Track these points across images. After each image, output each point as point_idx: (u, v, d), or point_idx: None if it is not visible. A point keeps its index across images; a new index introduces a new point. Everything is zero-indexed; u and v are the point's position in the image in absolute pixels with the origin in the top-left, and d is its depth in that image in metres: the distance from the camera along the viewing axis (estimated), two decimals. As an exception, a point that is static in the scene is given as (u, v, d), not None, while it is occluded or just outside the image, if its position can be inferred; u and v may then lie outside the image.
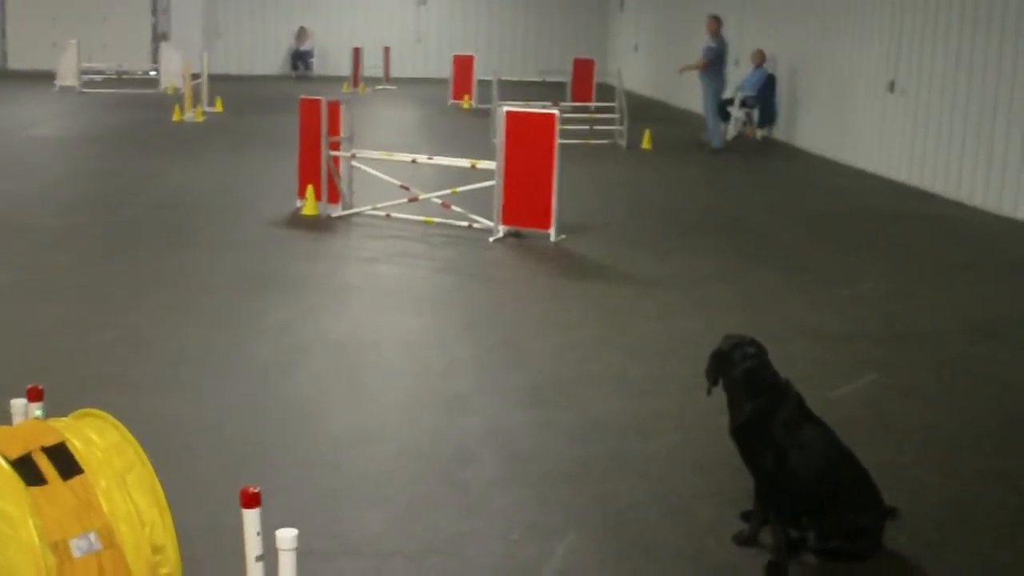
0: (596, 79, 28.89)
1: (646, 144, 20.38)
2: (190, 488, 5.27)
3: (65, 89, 30.17)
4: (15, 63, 37.93)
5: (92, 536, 3.42)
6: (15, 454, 3.47)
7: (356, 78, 32.52)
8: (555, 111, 11.94)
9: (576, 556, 5.02)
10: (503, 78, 22.84)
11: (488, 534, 5.21)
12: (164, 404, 6.79)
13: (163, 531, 3.59)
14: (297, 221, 12.73)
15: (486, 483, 5.81)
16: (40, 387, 4.32)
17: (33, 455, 3.49)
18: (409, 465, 6.08)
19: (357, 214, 12.92)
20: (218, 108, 24.82)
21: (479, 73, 28.24)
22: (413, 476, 5.94)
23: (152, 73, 33.82)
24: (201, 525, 4.88)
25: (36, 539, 3.32)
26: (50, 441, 3.55)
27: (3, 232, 12.06)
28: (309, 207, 12.86)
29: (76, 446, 3.56)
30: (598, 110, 22.80)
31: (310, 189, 12.87)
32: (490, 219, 11.98)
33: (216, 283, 9.93)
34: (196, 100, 24.25)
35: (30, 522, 3.33)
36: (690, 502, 5.61)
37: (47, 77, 31.88)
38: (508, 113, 11.95)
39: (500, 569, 4.92)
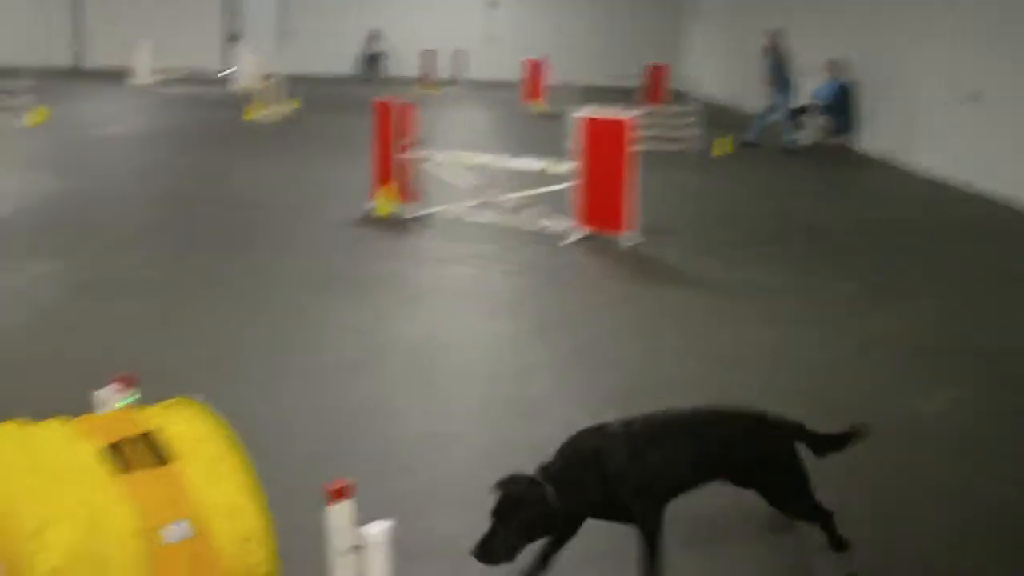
0: (669, 84, 28.80)
1: (719, 150, 20.28)
2: (263, 484, 5.28)
3: (140, 87, 30.53)
4: (92, 62, 38.45)
5: (182, 524, 3.43)
6: (106, 442, 3.50)
7: (427, 80, 32.62)
8: (631, 116, 11.91)
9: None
10: (574, 82, 22.84)
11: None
12: (241, 400, 6.81)
13: (254, 521, 3.60)
14: (371, 221, 12.77)
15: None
16: (130, 376, 4.35)
17: (123, 443, 3.51)
18: (483, 470, 6.05)
19: (430, 215, 12.94)
20: (291, 108, 24.97)
21: (550, 76, 28.23)
22: (488, 481, 5.91)
23: (225, 72, 34.12)
24: (277, 521, 4.89)
25: (127, 527, 3.34)
26: (140, 429, 3.58)
27: (80, 228, 12.21)
28: (383, 207, 12.90)
29: (166, 435, 3.58)
30: (670, 115, 22.69)
31: (384, 190, 12.91)
32: (565, 222, 11.95)
33: (292, 282, 9.99)
34: (269, 100, 24.42)
35: (121, 510, 3.35)
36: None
37: (122, 76, 32.27)
38: (583, 117, 11.93)
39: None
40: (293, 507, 5.13)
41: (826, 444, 4.97)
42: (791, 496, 4.89)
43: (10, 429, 3.58)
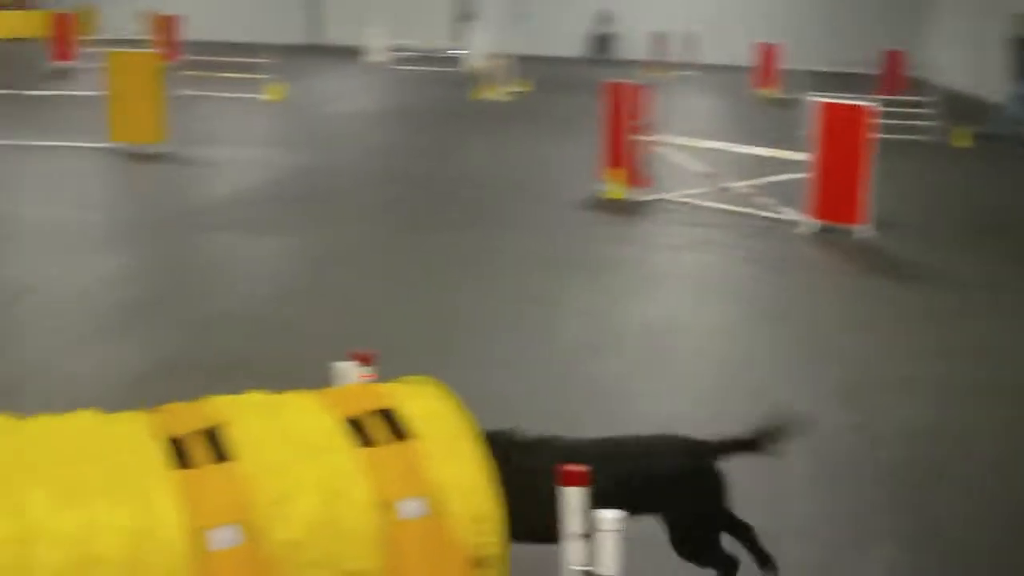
0: (907, 71, 27.93)
1: (958, 141, 19.57)
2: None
3: (374, 65, 31.19)
4: (327, 39, 39.47)
5: (418, 501, 3.44)
6: (346, 415, 3.54)
7: (657, 63, 32.42)
8: (869, 104, 11.57)
9: (892, 565, 4.82)
10: (807, 68, 22.37)
11: (800, 533, 5.06)
12: (474, 377, 6.86)
13: (487, 502, 3.59)
14: (600, 204, 12.73)
15: (795, 481, 5.65)
16: (368, 352, 4.40)
17: (363, 418, 3.55)
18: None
19: (660, 200, 12.83)
20: (522, 88, 25.13)
21: (783, 62, 27.72)
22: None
23: (457, 52, 34.58)
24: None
25: (366, 500, 3.38)
26: (380, 405, 3.60)
27: (315, 203, 12.54)
28: (613, 191, 12.85)
29: (405, 411, 3.60)
30: (908, 104, 22.00)
31: (614, 173, 12.86)
32: (796, 211, 11.71)
33: (523, 261, 10.05)
34: (499, 80, 24.61)
35: (360, 483, 3.39)
36: (1015, 518, 5.32)
37: (356, 53, 33.02)
38: (820, 104, 11.64)
39: (815, 569, 4.77)
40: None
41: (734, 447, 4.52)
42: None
43: (257, 398, 3.66)
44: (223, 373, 6.88)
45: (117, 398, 4.41)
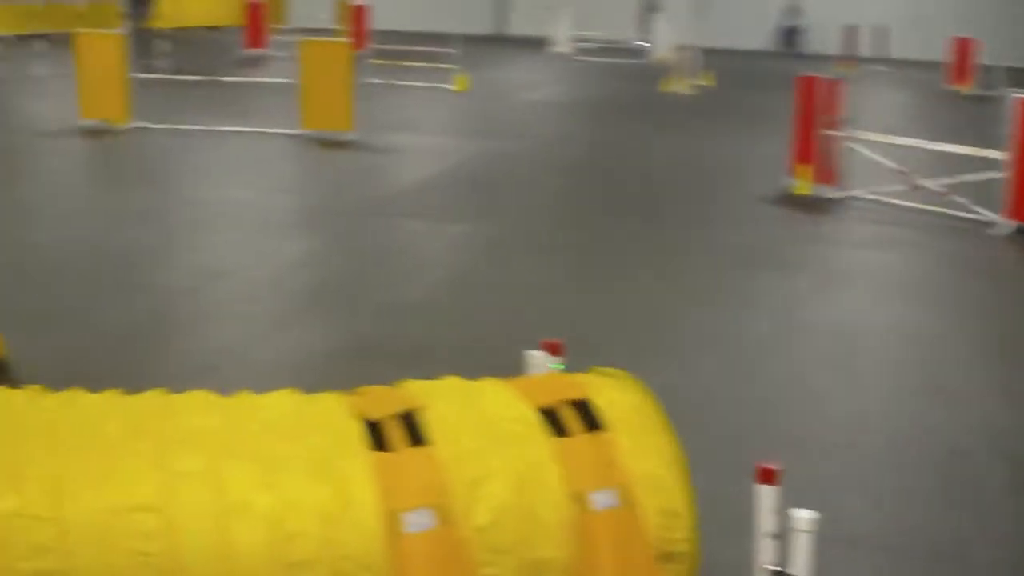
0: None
1: None
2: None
3: (558, 56, 31.25)
4: (512, 29, 39.71)
5: (610, 493, 3.43)
6: (540, 404, 3.55)
7: (846, 57, 31.76)
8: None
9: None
10: (1004, 64, 21.68)
11: (996, 540, 4.90)
12: (658, 370, 6.81)
13: (678, 496, 3.56)
14: (788, 200, 12.52)
15: (988, 486, 5.48)
16: (557, 342, 4.40)
17: (557, 407, 3.55)
18: (900, 456, 5.83)
19: (850, 197, 12.55)
20: (707, 81, 24.90)
21: (979, 57, 26.87)
22: (903, 468, 5.69)
23: (642, 43, 34.41)
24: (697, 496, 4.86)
25: (559, 490, 3.38)
26: (574, 395, 3.60)
27: (498, 192, 12.63)
28: (802, 186, 12.63)
29: (599, 403, 3.59)
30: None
31: (804, 169, 12.64)
32: (992, 211, 11.33)
33: (707, 255, 9.96)
34: (685, 72, 24.41)
35: (554, 472, 3.39)
36: None
37: (542, 43, 33.13)
38: (1022, 101, 11.23)
39: (1010, 569, 4.62)
40: (713, 483, 5.08)
41: None
42: None
43: (452, 384, 3.68)
44: (409, 358, 6.97)
45: (306, 381, 4.47)
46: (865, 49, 33.30)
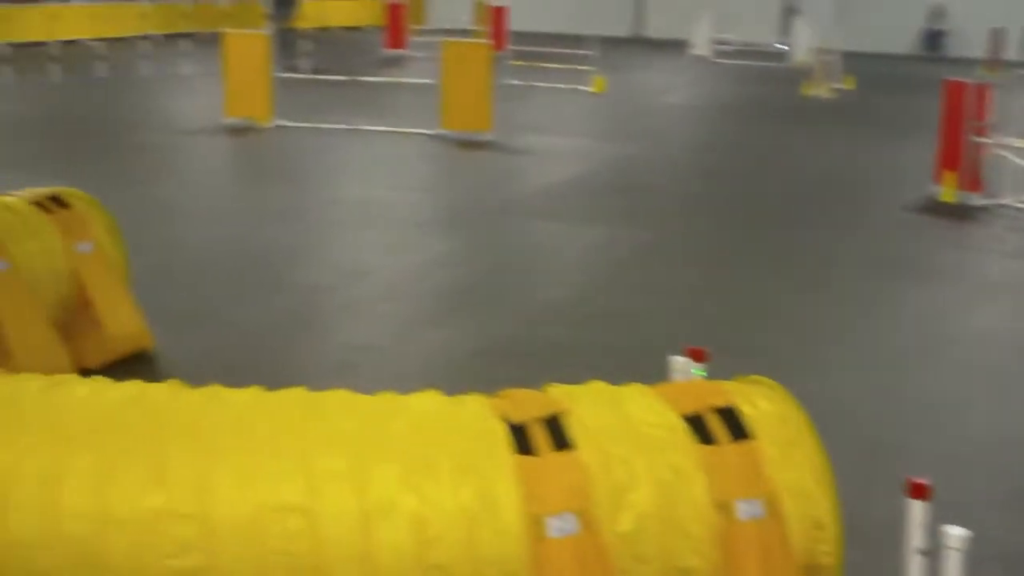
0: None
1: None
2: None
3: (697, 58, 31.04)
4: (652, 31, 39.54)
5: (757, 502, 3.38)
6: (687, 411, 3.50)
7: (993, 61, 30.97)
8: None
9: None
10: None
11: None
12: (802, 379, 6.68)
13: (825, 508, 3.49)
14: (933, 207, 12.23)
15: None
16: (701, 349, 4.35)
17: (704, 414, 3.50)
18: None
19: (997, 205, 12.22)
20: (848, 85, 24.49)
21: None
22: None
23: (781, 47, 33.98)
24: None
25: (704, 498, 3.33)
26: (720, 403, 3.55)
27: (635, 194, 12.57)
28: (947, 194, 12.34)
29: (745, 411, 3.53)
30: None
31: (950, 175, 12.34)
32: None
33: (848, 263, 9.78)
34: (826, 76, 24.03)
35: (700, 480, 3.35)
36: None
37: (681, 46, 32.93)
38: None
39: None
40: (857, 496, 4.97)
41: None
42: None
43: (597, 388, 3.66)
44: (550, 360, 6.96)
45: (446, 381, 4.50)
46: (1012, 52, 32.44)
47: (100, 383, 3.68)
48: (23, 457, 3.26)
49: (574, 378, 3.87)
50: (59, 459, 3.26)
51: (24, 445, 3.30)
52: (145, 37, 27.51)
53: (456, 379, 6.20)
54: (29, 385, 3.64)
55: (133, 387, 3.61)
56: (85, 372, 5.46)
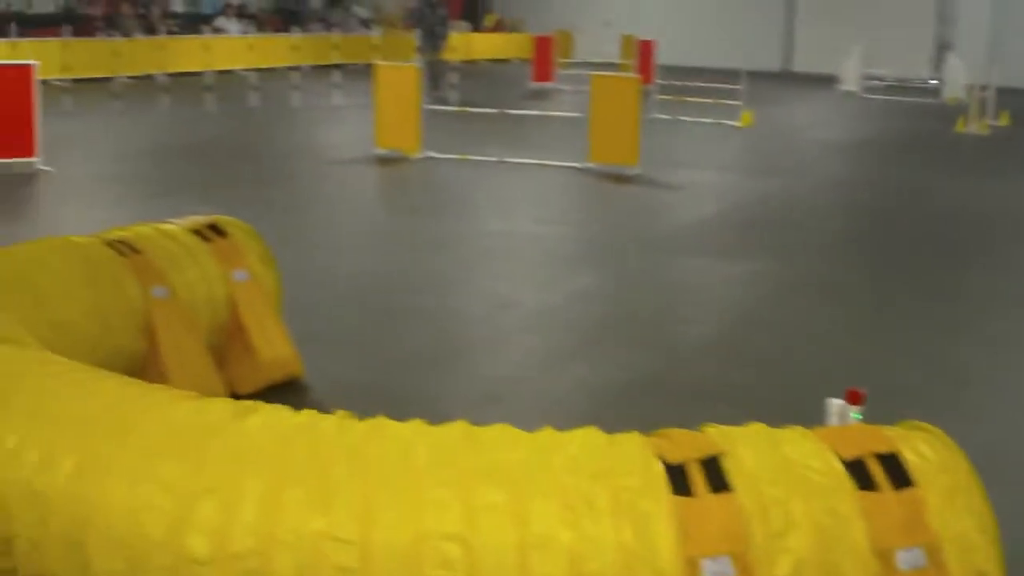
0: None
1: None
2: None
3: (846, 93, 30.65)
4: (800, 66, 39.19)
5: (918, 551, 3.31)
6: (848, 456, 3.46)
7: None
8: None
9: None
10: None
11: None
12: (956, 423, 6.54)
13: (989, 558, 3.41)
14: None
15: None
16: (859, 391, 4.29)
17: (865, 460, 3.45)
18: None
19: None
20: (1003, 122, 23.95)
21: None
22: None
23: (934, 82, 33.39)
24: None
25: (864, 544, 3.28)
26: (882, 448, 3.49)
27: (782, 230, 12.45)
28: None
29: (908, 458, 3.47)
30: None
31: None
32: None
33: (1003, 305, 9.53)
34: (981, 112, 23.54)
35: (860, 526, 3.30)
36: None
37: (829, 81, 32.55)
38: None
39: None
40: (1021, 546, 4.84)
41: None
42: None
43: (755, 430, 3.62)
44: (700, 399, 6.91)
45: (592, 415, 4.50)
46: None
47: (277, 410, 3.78)
48: (204, 480, 3.38)
49: (725, 417, 3.84)
50: (236, 482, 3.36)
51: (207, 472, 3.42)
52: (296, 68, 28.11)
53: (602, 414, 6.20)
54: (216, 407, 3.78)
55: (305, 416, 3.70)
56: (237, 397, 5.60)
